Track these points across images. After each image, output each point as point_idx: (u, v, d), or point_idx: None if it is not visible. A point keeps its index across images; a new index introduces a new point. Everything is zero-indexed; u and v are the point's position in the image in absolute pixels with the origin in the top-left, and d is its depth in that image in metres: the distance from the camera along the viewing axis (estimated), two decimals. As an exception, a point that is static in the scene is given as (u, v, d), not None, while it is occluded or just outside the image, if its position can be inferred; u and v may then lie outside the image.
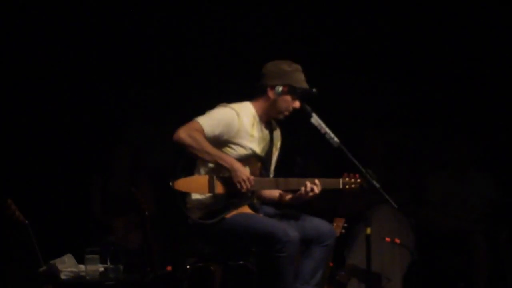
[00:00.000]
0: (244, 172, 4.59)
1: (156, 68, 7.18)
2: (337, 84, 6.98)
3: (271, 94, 4.72)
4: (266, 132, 4.80)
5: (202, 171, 4.68)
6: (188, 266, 4.90)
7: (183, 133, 4.55)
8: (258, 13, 6.95)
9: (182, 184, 4.61)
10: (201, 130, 4.59)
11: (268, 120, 4.81)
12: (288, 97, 4.71)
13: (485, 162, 6.88)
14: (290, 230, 4.54)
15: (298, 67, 4.74)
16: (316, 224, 4.72)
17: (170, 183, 4.57)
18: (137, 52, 7.09)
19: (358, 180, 4.69)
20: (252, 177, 4.62)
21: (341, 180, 4.76)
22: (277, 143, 4.92)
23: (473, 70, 7.04)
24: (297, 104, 4.71)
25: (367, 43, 7.11)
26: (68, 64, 6.97)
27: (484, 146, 6.94)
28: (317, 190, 4.68)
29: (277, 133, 4.92)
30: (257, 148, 4.75)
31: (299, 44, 6.99)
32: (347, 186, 4.75)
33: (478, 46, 7.02)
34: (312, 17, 7.10)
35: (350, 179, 4.73)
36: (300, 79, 4.72)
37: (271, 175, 4.86)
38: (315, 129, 4.59)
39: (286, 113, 4.74)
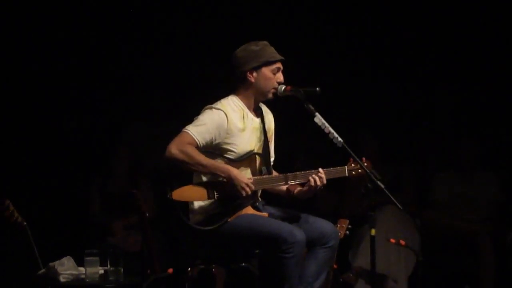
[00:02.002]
0: (242, 178, 4.54)
1: (155, 68, 7.15)
2: (341, 83, 6.96)
3: (251, 78, 4.66)
4: (257, 120, 4.74)
5: (199, 177, 4.61)
6: (189, 269, 4.84)
7: (175, 149, 4.50)
8: (258, 13, 6.93)
9: (180, 194, 4.55)
10: (192, 142, 4.53)
11: (257, 106, 4.76)
12: (269, 74, 4.67)
13: (491, 162, 6.86)
14: (296, 230, 4.48)
15: (266, 42, 4.73)
16: (319, 224, 4.66)
17: (168, 195, 4.52)
18: (136, 53, 7.07)
19: (365, 164, 4.62)
20: (251, 181, 4.56)
21: (346, 167, 4.72)
22: (271, 126, 4.85)
23: (479, 70, 7.02)
24: (280, 78, 4.68)
25: (372, 42, 7.07)
26: (68, 65, 6.97)
27: (490, 147, 6.91)
28: (319, 182, 4.62)
29: (269, 117, 4.86)
30: (253, 140, 4.69)
31: (297, 45, 6.96)
32: (353, 172, 4.71)
33: (483, 46, 7.01)
34: (310, 19, 7.07)
35: (356, 164, 4.68)
36: (272, 52, 4.69)
37: (271, 168, 4.78)
38: (319, 128, 4.52)
39: (273, 90, 4.69)
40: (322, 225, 4.65)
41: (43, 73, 6.91)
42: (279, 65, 4.69)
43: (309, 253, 4.62)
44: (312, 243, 4.60)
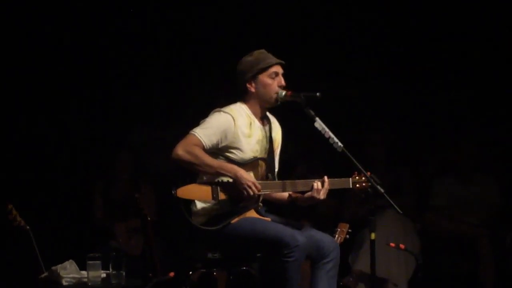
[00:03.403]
0: (248, 178, 4.56)
1: (158, 73, 7.16)
2: (341, 86, 6.97)
3: (251, 88, 4.70)
4: (264, 128, 4.77)
5: (205, 177, 4.64)
6: (191, 272, 4.86)
7: (181, 150, 4.53)
8: (260, 16, 6.94)
9: (184, 192, 4.56)
10: (199, 144, 4.56)
11: (263, 114, 4.78)
12: (267, 80, 4.68)
13: (490, 166, 6.85)
14: (298, 235, 4.51)
15: (261, 51, 4.75)
16: (317, 238, 4.67)
17: (173, 192, 4.53)
18: (140, 57, 7.08)
19: (368, 173, 4.63)
20: (257, 182, 4.59)
21: (350, 179, 4.73)
22: (277, 137, 4.88)
23: (478, 74, 7.01)
24: (281, 81, 4.70)
25: (373, 44, 7.08)
26: (70, 69, 6.97)
27: (489, 150, 6.91)
28: (324, 191, 4.65)
29: (276, 127, 4.88)
30: (258, 148, 4.72)
31: (300, 48, 6.97)
32: (357, 185, 4.73)
33: (483, 50, 7.00)
34: (312, 21, 7.08)
35: (361, 177, 4.70)
36: (266, 58, 4.71)
37: (276, 175, 4.81)
38: (319, 133, 4.54)
39: (276, 95, 4.70)
40: (320, 238, 4.67)
41: (45, 77, 6.91)
42: (276, 69, 4.71)
43: (314, 271, 4.65)
44: (312, 258, 4.63)
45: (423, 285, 5.98)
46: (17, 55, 6.83)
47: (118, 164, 6.89)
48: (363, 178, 4.67)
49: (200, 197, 4.62)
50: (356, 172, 4.70)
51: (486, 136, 6.97)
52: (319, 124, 4.54)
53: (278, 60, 4.72)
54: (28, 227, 5.41)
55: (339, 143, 4.49)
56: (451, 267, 6.57)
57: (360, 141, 6.73)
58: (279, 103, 4.73)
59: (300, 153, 6.96)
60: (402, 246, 5.32)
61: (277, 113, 4.91)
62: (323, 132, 4.53)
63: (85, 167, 6.98)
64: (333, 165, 4.87)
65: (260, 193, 4.63)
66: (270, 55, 4.74)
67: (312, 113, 4.58)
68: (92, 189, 6.89)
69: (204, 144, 4.56)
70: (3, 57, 6.75)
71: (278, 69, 4.72)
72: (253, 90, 4.70)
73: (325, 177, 4.67)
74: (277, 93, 4.70)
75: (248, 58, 4.72)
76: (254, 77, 4.69)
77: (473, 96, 7.07)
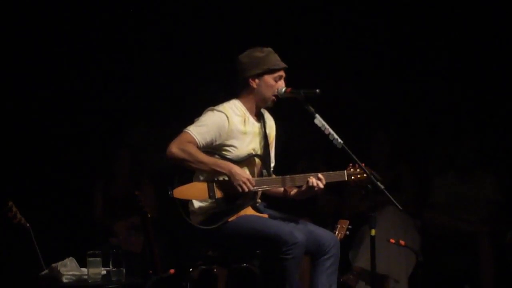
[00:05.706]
0: (242, 174, 4.58)
1: (156, 71, 7.16)
2: (343, 84, 6.98)
3: (253, 84, 4.69)
4: (258, 125, 4.77)
5: (201, 176, 4.64)
6: (191, 269, 4.86)
7: (175, 148, 4.54)
8: (258, 14, 6.94)
9: (181, 192, 4.59)
10: (193, 141, 4.57)
11: (258, 111, 4.78)
12: (271, 81, 4.68)
13: (490, 163, 6.85)
14: (296, 232, 4.51)
15: (270, 49, 4.74)
16: (318, 234, 4.67)
17: (169, 192, 4.55)
18: (138, 55, 7.08)
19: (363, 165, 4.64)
20: (252, 178, 4.60)
21: (345, 171, 4.73)
22: (272, 132, 4.88)
23: (479, 71, 7.01)
24: (282, 85, 4.70)
25: (374, 43, 7.08)
26: (70, 68, 6.97)
27: (490, 147, 6.91)
28: (321, 184, 4.64)
29: (270, 123, 4.89)
30: (253, 145, 4.72)
31: (304, 45, 6.98)
32: (352, 177, 4.73)
33: (483, 46, 7.00)
34: (315, 17, 7.08)
35: (356, 169, 4.70)
36: (276, 60, 4.71)
37: (272, 170, 4.81)
38: (320, 130, 4.55)
39: (273, 98, 4.71)
40: (321, 233, 4.68)
41: (45, 76, 6.92)
42: (281, 73, 4.72)
43: (314, 267, 4.65)
44: (312, 254, 4.64)
45: (423, 282, 5.98)
46: (17, 54, 6.84)
47: (118, 162, 6.89)
48: (358, 169, 4.66)
49: (196, 196, 4.63)
50: (350, 164, 4.70)
51: (486, 132, 6.97)
52: (319, 120, 4.55)
53: (285, 65, 4.73)
54: (28, 225, 5.42)
55: (339, 140, 4.50)
56: (451, 264, 6.57)
57: (362, 139, 6.73)
58: (273, 105, 4.73)
59: (302, 150, 6.97)
60: (402, 242, 5.33)
61: (276, 111, 4.91)
62: (323, 128, 4.54)
63: (85, 165, 6.97)
64: (334, 162, 4.86)
65: (254, 189, 4.63)
66: (278, 57, 4.73)
67: (312, 109, 4.59)
68: (92, 187, 6.89)
69: (198, 142, 4.58)
70: (3, 56, 6.75)
71: (283, 73, 4.74)
72: (254, 86, 4.70)
73: (319, 174, 4.67)
74: (275, 95, 4.70)
75: (258, 54, 4.70)
76: (259, 75, 4.68)
77: (473, 94, 7.07)
